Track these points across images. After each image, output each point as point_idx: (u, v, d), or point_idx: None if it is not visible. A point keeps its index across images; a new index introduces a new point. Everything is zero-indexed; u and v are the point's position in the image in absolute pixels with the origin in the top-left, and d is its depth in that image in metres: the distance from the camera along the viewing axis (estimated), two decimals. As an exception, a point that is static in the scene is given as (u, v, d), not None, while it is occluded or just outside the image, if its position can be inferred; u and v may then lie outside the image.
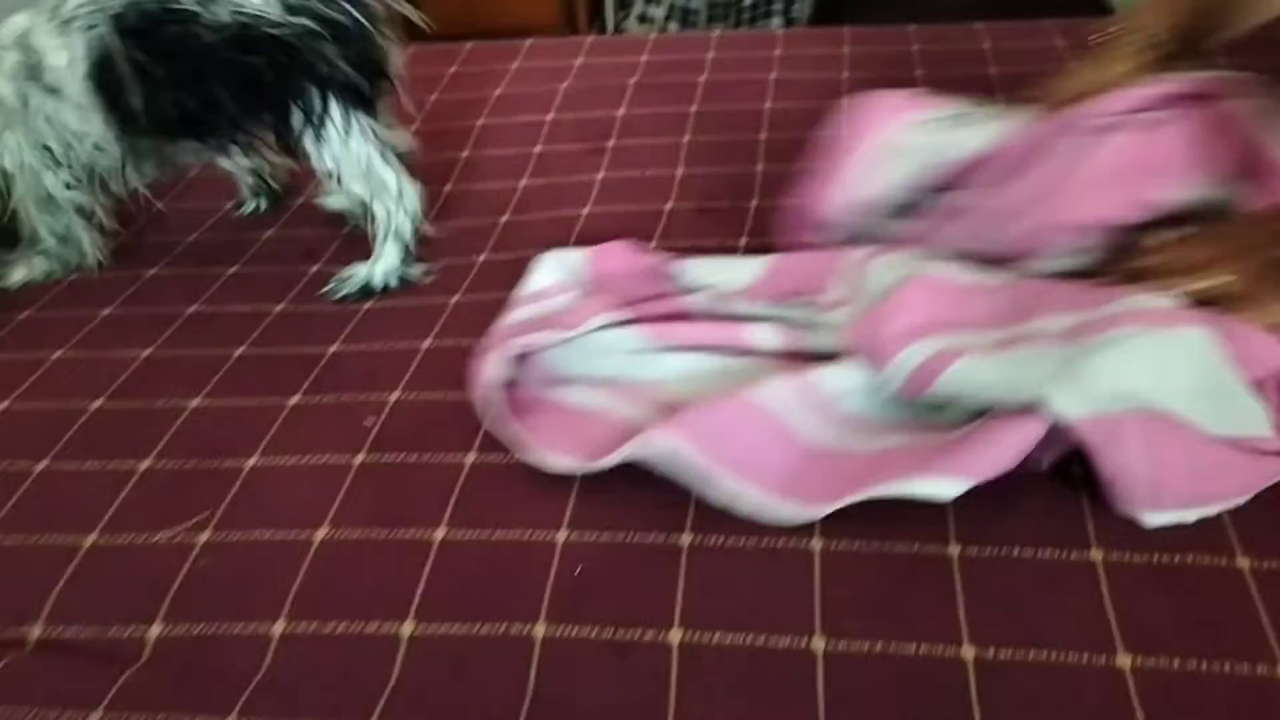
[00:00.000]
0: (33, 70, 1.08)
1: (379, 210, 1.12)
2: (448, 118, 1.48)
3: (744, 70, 1.52)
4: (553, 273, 1.02)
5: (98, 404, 1.00)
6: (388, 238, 1.13)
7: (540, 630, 0.73)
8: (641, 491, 0.82)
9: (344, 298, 1.12)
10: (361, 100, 1.09)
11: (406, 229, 1.13)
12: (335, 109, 1.07)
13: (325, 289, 1.14)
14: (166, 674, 0.73)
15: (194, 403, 0.98)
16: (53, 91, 1.09)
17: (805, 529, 0.78)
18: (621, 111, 1.44)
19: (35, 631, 0.78)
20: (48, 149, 1.13)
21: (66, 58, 1.05)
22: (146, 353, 1.06)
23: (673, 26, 2.98)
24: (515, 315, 0.97)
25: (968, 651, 0.68)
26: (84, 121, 1.09)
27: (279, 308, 1.12)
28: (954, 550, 0.75)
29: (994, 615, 0.70)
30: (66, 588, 0.81)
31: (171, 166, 1.23)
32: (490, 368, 0.90)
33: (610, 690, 0.69)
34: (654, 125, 1.40)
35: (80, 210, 1.19)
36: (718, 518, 0.79)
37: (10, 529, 0.86)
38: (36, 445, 0.95)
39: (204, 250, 1.25)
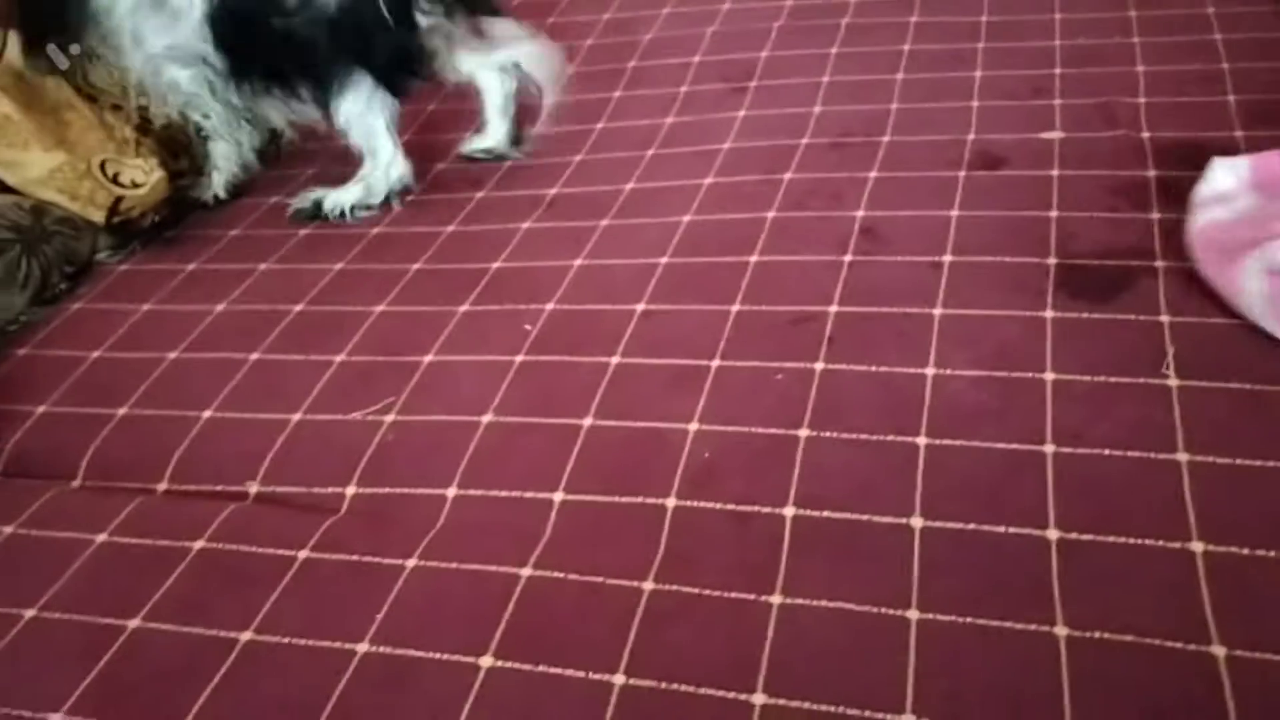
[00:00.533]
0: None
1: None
2: (602, 60, 1.59)
3: (884, 14, 1.57)
4: (1226, 177, 1.06)
5: (299, 307, 1.16)
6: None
7: (671, 502, 0.84)
8: (762, 395, 0.92)
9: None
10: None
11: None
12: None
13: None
14: (361, 524, 0.88)
15: (379, 308, 1.13)
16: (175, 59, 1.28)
17: (912, 428, 0.86)
18: (765, 53, 1.52)
19: (254, 488, 0.94)
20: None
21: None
22: (339, 266, 1.22)
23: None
24: (1205, 215, 1.01)
25: (1052, 533, 0.76)
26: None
27: (450, 229, 1.25)
28: (1049, 449, 0.82)
29: (1079, 504, 0.77)
30: (278, 453, 0.96)
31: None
32: (1250, 272, 0.92)
33: (729, 550, 0.80)
34: (795, 66, 1.47)
35: (226, 139, 1.38)
36: (832, 417, 0.89)
37: (231, 406, 1.03)
38: (250, 339, 1.11)
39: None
